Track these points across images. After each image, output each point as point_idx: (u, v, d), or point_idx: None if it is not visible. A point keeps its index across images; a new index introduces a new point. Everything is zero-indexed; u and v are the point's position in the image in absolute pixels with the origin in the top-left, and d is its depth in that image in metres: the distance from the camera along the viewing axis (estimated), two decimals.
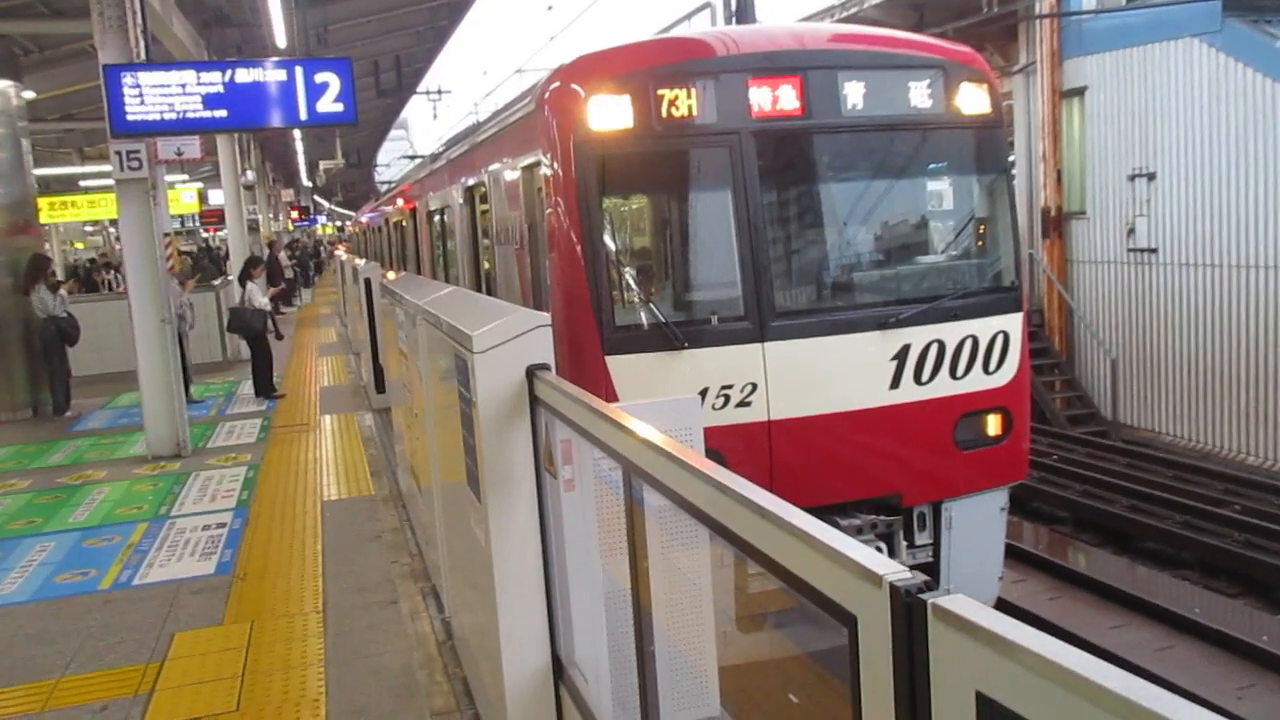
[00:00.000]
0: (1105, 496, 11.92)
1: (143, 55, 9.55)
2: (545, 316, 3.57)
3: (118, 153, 9.51)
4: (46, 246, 19.64)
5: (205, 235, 41.21)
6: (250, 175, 25.33)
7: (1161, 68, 14.45)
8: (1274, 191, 12.75)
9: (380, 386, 11.18)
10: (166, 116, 8.81)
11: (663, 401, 3.24)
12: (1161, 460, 13.35)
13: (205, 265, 24.02)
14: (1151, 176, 14.76)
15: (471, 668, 4.63)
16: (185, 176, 29.12)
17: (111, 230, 32.43)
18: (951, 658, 1.28)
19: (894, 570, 1.40)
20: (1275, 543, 10.01)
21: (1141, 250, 15.08)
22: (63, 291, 12.96)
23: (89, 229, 40.73)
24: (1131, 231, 15.23)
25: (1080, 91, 16.27)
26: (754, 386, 5.85)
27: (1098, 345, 16.19)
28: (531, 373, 3.45)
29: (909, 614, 1.34)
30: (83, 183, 28.11)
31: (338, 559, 6.70)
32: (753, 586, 3.77)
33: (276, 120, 9.19)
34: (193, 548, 7.13)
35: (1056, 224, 16.85)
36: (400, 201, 17.17)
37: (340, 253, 26.41)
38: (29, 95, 14.34)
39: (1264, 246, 13.00)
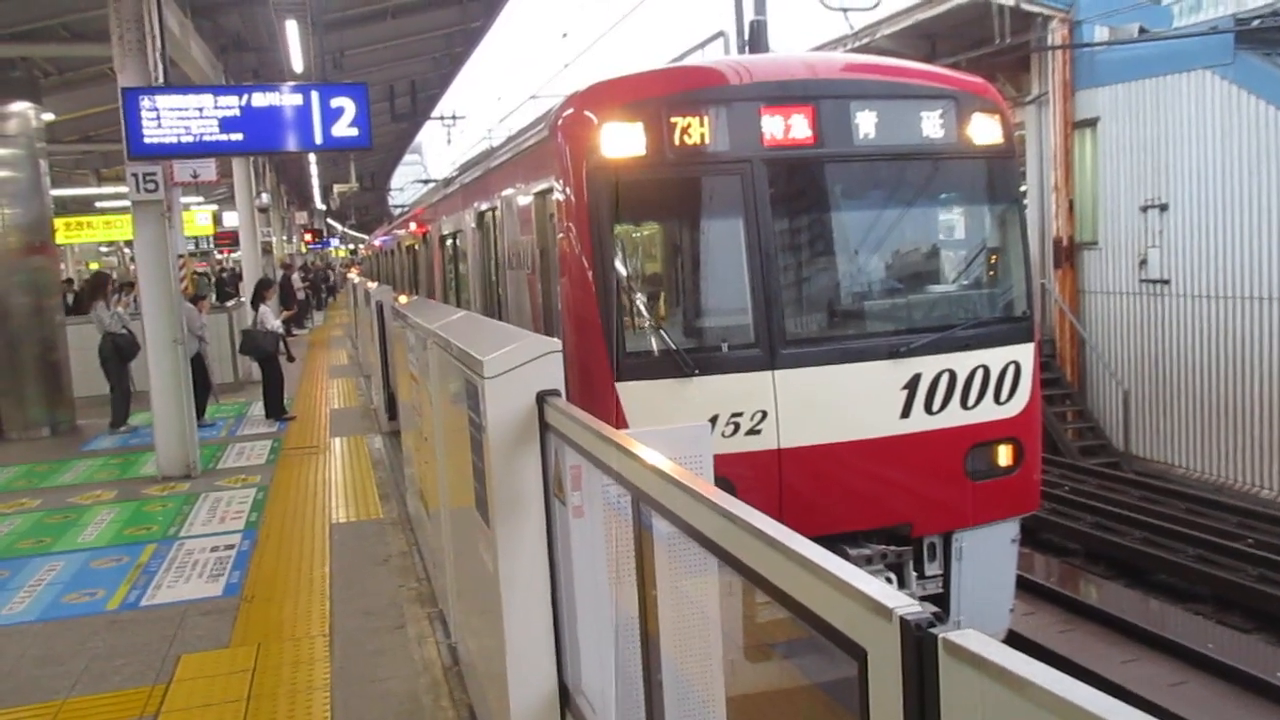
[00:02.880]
0: (1117, 529, 11.83)
1: (161, 79, 9.66)
2: (556, 342, 3.57)
3: (134, 175, 9.59)
4: (63, 267, 19.77)
5: (219, 258, 41.45)
6: (265, 198, 25.50)
7: (1174, 99, 14.47)
8: None
9: (392, 414, 11.17)
10: (183, 139, 8.89)
11: (673, 429, 3.23)
12: (1174, 493, 13.25)
13: (203, 286, 23.73)
14: (1164, 208, 14.75)
15: (478, 694, 4.61)
16: (200, 198, 29.33)
17: (127, 251, 32.66)
18: (962, 693, 1.27)
19: (904, 604, 1.39)
20: None
21: (1154, 281, 15.04)
22: (119, 308, 13.09)
23: (104, 249, 41.03)
24: (1144, 262, 15.20)
25: (1092, 122, 16.29)
26: (764, 414, 5.84)
27: (1110, 376, 16.12)
28: (542, 398, 3.45)
29: (919, 648, 1.33)
30: (99, 204, 28.33)
31: (345, 582, 6.69)
32: (761, 616, 3.74)
33: (292, 144, 9.27)
34: (201, 569, 7.12)
35: (1069, 254, 16.83)
36: (413, 225, 17.26)
37: (353, 275, 26.53)
38: (48, 117, 14.50)
39: (1276, 278, 12.95)
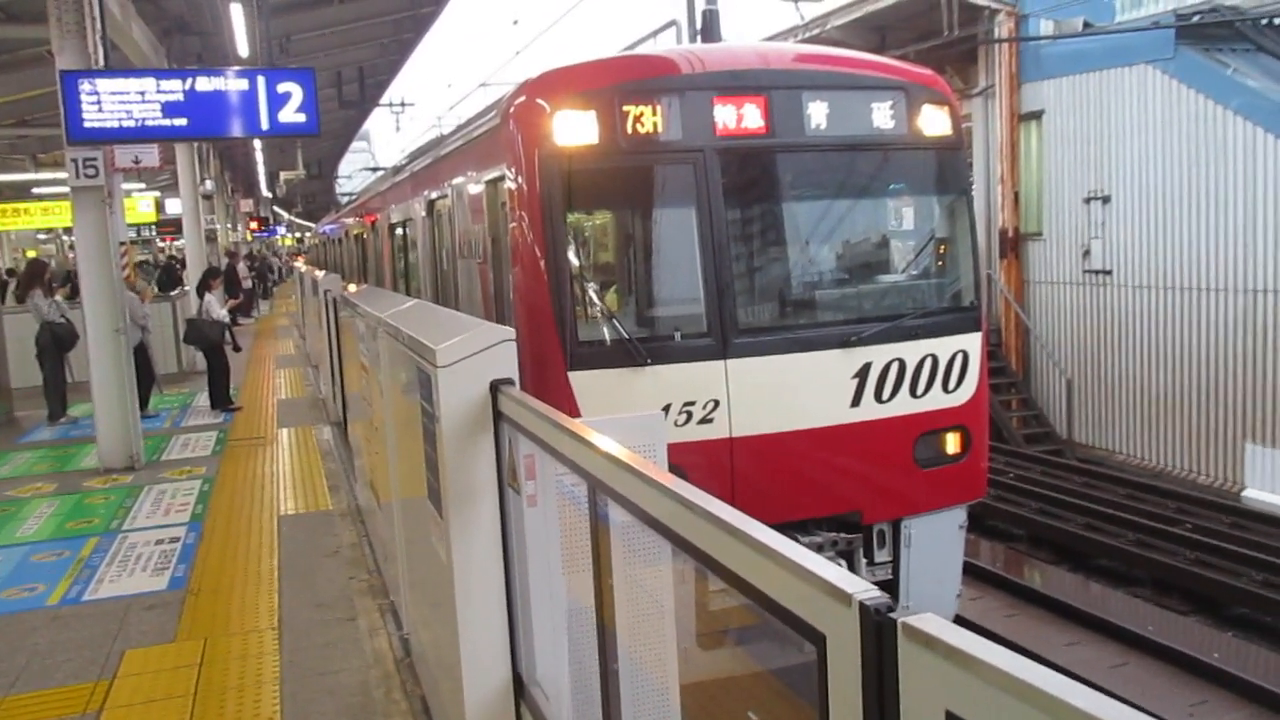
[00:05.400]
0: (1061, 515, 12.06)
1: (101, 62, 9.42)
2: (509, 331, 3.55)
3: (74, 160, 9.36)
4: None
5: (162, 245, 40.62)
6: (209, 185, 25.02)
7: (1116, 93, 14.74)
8: (1224, 215, 13.03)
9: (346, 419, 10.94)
10: (125, 124, 8.68)
11: (626, 417, 3.23)
12: (1115, 479, 13.53)
13: (148, 272, 23.27)
14: (1106, 199, 15.03)
15: (430, 686, 4.58)
16: (142, 185, 28.68)
17: (66, 239, 31.90)
18: (921, 677, 1.28)
19: (863, 589, 1.40)
20: (1225, 561, 10.17)
21: (1096, 272, 15.33)
22: (58, 297, 12.76)
23: (42, 237, 40.04)
24: (1087, 253, 15.49)
25: (1038, 115, 16.54)
26: (716, 403, 5.86)
27: (1053, 365, 16.42)
28: (495, 387, 3.43)
29: (879, 633, 1.34)
30: (36, 190, 27.59)
31: (294, 574, 6.60)
32: (715, 603, 3.76)
33: (237, 130, 9.09)
34: (145, 563, 6.99)
35: (1014, 245, 17.09)
36: (362, 214, 17.06)
37: (299, 264, 26.16)
38: None
39: (1214, 270, 13.26)
